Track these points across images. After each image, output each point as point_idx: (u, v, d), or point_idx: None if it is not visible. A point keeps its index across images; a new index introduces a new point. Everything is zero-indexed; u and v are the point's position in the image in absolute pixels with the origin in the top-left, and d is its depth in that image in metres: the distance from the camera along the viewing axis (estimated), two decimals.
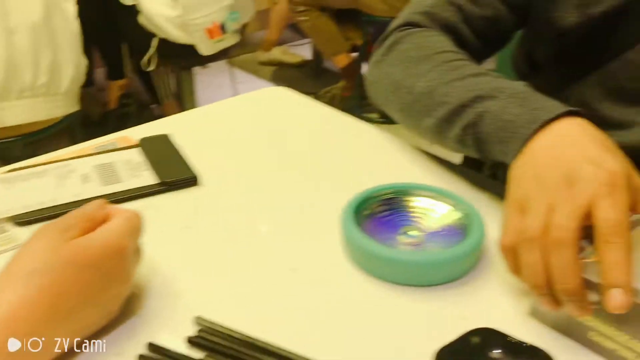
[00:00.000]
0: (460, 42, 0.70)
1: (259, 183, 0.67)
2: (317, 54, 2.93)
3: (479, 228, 0.53)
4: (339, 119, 0.82)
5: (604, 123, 0.72)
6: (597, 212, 0.42)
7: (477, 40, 0.72)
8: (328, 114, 0.83)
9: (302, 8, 2.54)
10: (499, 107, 0.55)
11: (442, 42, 0.67)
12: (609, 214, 0.41)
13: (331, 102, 2.73)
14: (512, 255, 0.46)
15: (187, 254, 0.55)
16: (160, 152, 0.70)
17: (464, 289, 0.51)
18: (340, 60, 2.66)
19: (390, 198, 0.57)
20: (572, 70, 0.74)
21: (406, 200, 0.57)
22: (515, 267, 0.46)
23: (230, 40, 1.97)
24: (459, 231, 0.54)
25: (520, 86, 0.57)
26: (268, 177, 0.68)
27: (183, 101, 2.27)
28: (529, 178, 0.48)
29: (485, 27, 0.72)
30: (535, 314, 0.47)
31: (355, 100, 2.67)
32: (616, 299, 0.40)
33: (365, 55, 2.62)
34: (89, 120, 2.20)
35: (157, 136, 0.73)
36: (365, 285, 0.52)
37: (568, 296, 0.42)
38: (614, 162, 0.44)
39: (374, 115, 2.62)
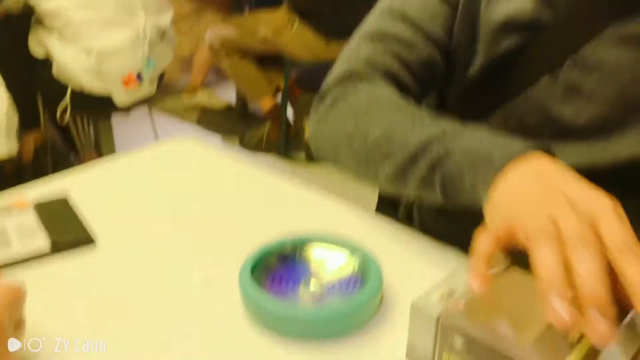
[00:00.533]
0: (402, 88, 0.71)
1: (159, 242, 0.65)
2: (242, 97, 2.94)
3: (376, 276, 0.54)
4: (245, 168, 0.82)
5: None
6: (607, 228, 0.41)
7: (416, 85, 0.72)
8: (234, 164, 0.83)
9: (223, 53, 2.56)
10: (467, 143, 0.55)
11: (389, 92, 0.67)
12: (620, 228, 0.41)
13: (258, 144, 2.74)
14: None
15: (78, 322, 0.53)
16: (56, 214, 0.67)
17: (365, 338, 0.51)
18: (265, 104, 2.68)
19: (288, 251, 0.57)
20: (479, 108, 0.77)
21: (305, 252, 0.57)
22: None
23: (147, 89, 1.95)
24: (357, 280, 0.54)
25: (481, 126, 0.57)
26: (168, 235, 0.66)
27: (102, 151, 2.22)
28: (515, 203, 0.47)
29: (423, 72, 0.73)
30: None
31: (282, 142, 2.69)
32: None
33: (288, 97, 2.65)
34: (3, 174, 2.11)
35: (53, 196, 0.70)
36: (267, 343, 0.51)
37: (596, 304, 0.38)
38: (604, 194, 0.44)
39: (301, 155, 2.65)
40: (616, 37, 0.65)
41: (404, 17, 0.72)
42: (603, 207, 0.42)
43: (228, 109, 3.11)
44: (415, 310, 0.44)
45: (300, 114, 2.64)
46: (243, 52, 2.55)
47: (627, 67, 0.65)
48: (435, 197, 0.58)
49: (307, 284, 0.54)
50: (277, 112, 2.70)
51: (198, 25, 3.00)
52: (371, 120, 0.63)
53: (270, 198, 0.74)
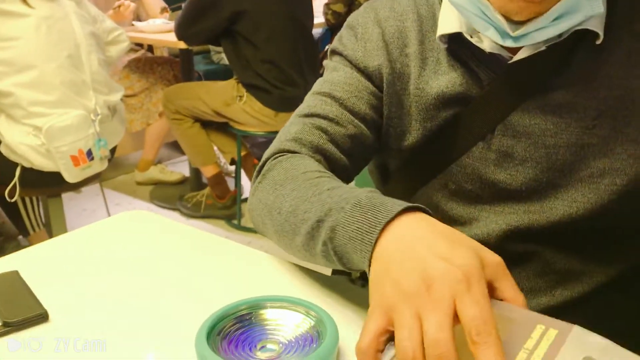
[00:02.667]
0: (329, 161, 0.74)
1: (113, 313, 0.65)
2: (196, 170, 2.95)
3: (332, 333, 0.55)
4: (196, 237, 0.82)
5: (451, 221, 0.79)
6: (461, 313, 0.43)
7: (345, 158, 0.76)
8: (187, 233, 0.84)
9: (176, 116, 2.58)
10: (346, 218, 0.55)
11: (307, 163, 0.70)
12: (473, 311, 0.42)
13: (195, 208, 2.75)
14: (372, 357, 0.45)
15: None
16: (7, 290, 0.66)
17: None
18: (208, 171, 2.70)
19: (244, 314, 0.58)
20: (419, 176, 0.81)
21: (260, 315, 0.58)
22: None
23: (97, 166, 1.95)
24: (313, 338, 0.55)
25: (364, 193, 0.57)
26: (121, 307, 0.66)
27: (53, 230, 2.17)
28: (388, 284, 0.47)
29: (351, 145, 0.76)
30: None
31: (219, 209, 2.72)
32: None
33: (241, 168, 2.68)
34: None
35: (4, 273, 0.70)
36: None
37: None
38: (463, 257, 0.46)
39: (235, 222, 2.67)
40: (538, 106, 0.70)
41: (331, 97, 0.77)
42: (460, 286, 0.44)
43: (182, 181, 3.11)
44: None
45: None
46: (194, 119, 2.59)
47: (551, 133, 0.70)
48: (343, 268, 0.59)
49: (264, 345, 0.55)
50: (219, 180, 2.73)
51: (149, 102, 3.03)
52: (285, 194, 0.66)
53: (224, 264, 0.75)
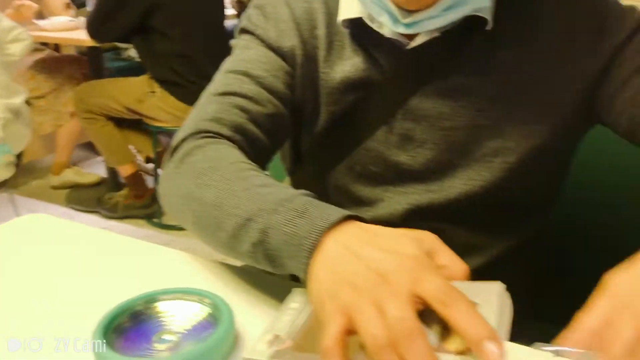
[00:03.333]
0: (250, 142, 0.72)
1: (9, 318, 0.64)
2: (113, 170, 2.88)
3: (227, 317, 0.56)
4: (96, 236, 0.82)
5: (358, 202, 0.81)
6: (424, 292, 0.43)
7: (266, 138, 0.74)
8: (87, 233, 0.83)
9: (88, 115, 2.51)
10: (281, 221, 0.54)
11: (233, 153, 0.67)
12: (435, 284, 0.43)
13: (114, 208, 2.70)
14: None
15: None
16: None
17: None
18: (125, 170, 2.65)
19: (139, 309, 0.58)
20: (328, 159, 0.83)
21: (155, 307, 0.59)
22: None
23: (2, 173, 1.87)
24: (210, 324, 0.57)
25: (298, 195, 0.56)
26: (13, 312, 0.65)
27: None
28: (341, 287, 0.46)
29: (271, 125, 0.75)
30: None
31: (138, 208, 2.67)
32: (493, 350, 0.40)
33: (159, 166, 2.64)
34: None
35: None
36: None
37: None
38: (409, 247, 0.47)
39: (156, 220, 2.64)
40: (435, 90, 0.74)
41: (247, 75, 0.76)
42: (415, 273, 0.45)
43: (99, 183, 3.03)
44: None
45: None
46: (108, 116, 2.52)
47: (448, 116, 0.74)
48: (271, 270, 0.58)
49: (161, 336, 0.56)
50: (137, 179, 2.68)
51: (58, 102, 2.92)
52: (209, 184, 0.62)
53: (121, 262, 0.75)
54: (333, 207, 0.54)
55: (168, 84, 2.38)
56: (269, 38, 0.78)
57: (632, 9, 0.72)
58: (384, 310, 0.43)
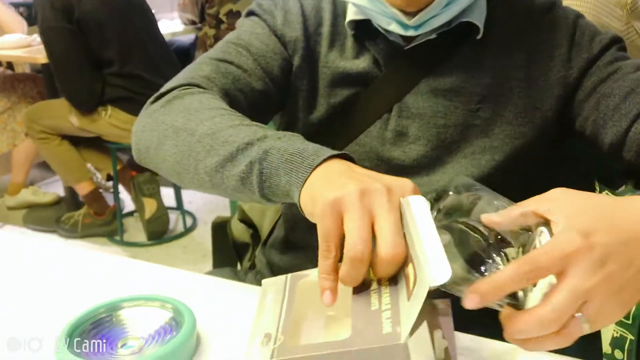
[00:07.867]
0: (234, 108, 0.74)
1: None
2: (71, 189, 2.83)
3: (189, 320, 0.58)
4: (47, 251, 0.82)
5: None
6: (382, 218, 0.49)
7: (249, 110, 0.77)
8: (47, 248, 0.83)
9: (42, 135, 2.47)
10: (284, 144, 0.59)
11: (222, 103, 0.71)
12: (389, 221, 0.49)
13: (73, 228, 2.66)
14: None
15: None
16: None
17: None
18: (82, 188, 2.61)
19: (102, 317, 0.59)
20: None
21: (118, 315, 0.60)
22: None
23: None
24: (172, 328, 0.58)
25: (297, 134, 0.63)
26: None
27: None
28: (331, 185, 0.51)
29: (257, 100, 0.79)
30: None
31: (99, 226, 2.65)
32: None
33: (119, 181, 2.61)
34: None
35: None
36: None
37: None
38: (388, 179, 0.53)
39: (118, 238, 2.61)
40: (430, 89, 0.79)
41: (247, 50, 0.81)
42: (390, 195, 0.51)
43: (57, 202, 2.97)
44: None
45: (139, 195, 2.60)
46: (63, 135, 2.49)
47: (441, 115, 0.79)
48: (251, 193, 0.61)
49: (125, 342, 0.57)
50: (95, 197, 2.65)
51: (14, 121, 2.86)
52: (202, 119, 0.66)
53: (78, 274, 0.76)
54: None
55: (118, 101, 2.37)
56: (275, 25, 0.82)
57: (605, 30, 0.82)
58: (375, 215, 0.48)
